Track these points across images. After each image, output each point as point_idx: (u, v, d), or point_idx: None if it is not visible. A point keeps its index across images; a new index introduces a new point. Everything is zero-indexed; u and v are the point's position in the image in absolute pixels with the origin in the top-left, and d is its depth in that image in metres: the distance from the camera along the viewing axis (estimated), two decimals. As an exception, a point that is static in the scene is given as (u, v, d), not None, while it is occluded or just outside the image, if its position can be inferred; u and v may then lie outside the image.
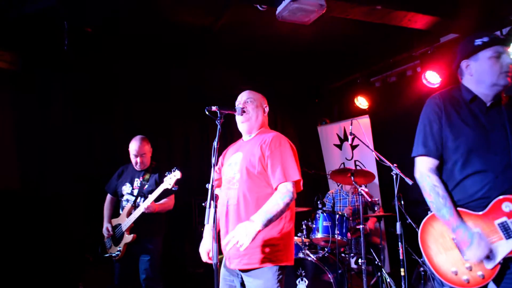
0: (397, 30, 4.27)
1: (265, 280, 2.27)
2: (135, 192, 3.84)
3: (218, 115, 2.32)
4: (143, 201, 3.72)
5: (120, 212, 3.87)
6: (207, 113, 2.32)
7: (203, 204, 5.03)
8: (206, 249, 2.56)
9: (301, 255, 4.09)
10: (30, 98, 4.71)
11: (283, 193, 2.26)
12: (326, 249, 4.29)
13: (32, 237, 4.48)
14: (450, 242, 1.97)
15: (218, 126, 2.30)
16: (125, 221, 3.74)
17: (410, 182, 3.67)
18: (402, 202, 4.00)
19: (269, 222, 2.17)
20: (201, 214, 5.25)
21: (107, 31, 4.43)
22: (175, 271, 5.19)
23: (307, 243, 4.33)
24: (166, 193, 3.71)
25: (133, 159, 3.84)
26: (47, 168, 4.73)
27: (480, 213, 1.95)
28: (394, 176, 3.79)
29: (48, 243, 4.53)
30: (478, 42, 2.02)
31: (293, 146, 2.48)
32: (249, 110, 2.53)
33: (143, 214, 3.66)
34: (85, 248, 3.95)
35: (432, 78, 4.65)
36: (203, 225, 5.12)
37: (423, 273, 4.05)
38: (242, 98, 2.61)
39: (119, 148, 4.47)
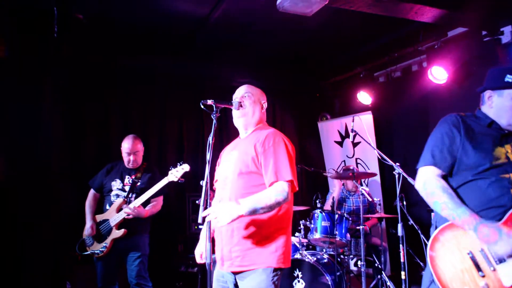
0: (403, 23, 4.14)
1: (259, 282, 2.18)
2: (127, 188, 3.84)
3: (214, 109, 2.26)
4: (135, 197, 3.76)
5: (107, 207, 3.83)
6: (202, 107, 2.26)
7: (197, 201, 4.95)
8: (199, 251, 2.50)
9: (298, 255, 3.99)
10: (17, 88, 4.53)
11: (278, 191, 2.17)
12: (324, 250, 4.19)
13: (19, 232, 4.34)
14: (464, 259, 1.87)
15: (214, 121, 2.25)
16: (114, 216, 3.73)
17: (413, 182, 3.57)
18: (404, 203, 3.93)
19: (254, 211, 2.11)
20: (195, 212, 5.16)
21: (98, 22, 4.27)
22: (167, 271, 5.07)
23: (304, 244, 4.25)
24: (157, 193, 3.74)
25: (125, 157, 3.92)
26: (34, 161, 4.57)
27: (498, 223, 1.85)
28: (397, 176, 3.76)
29: (36, 240, 4.40)
30: (509, 79, 1.99)
31: (290, 144, 2.37)
32: (246, 105, 2.45)
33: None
34: (73, 246, 3.86)
35: (438, 74, 4.47)
36: (196, 223, 5.10)
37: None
38: (240, 92, 2.52)
39: (115, 146, 4.44)
